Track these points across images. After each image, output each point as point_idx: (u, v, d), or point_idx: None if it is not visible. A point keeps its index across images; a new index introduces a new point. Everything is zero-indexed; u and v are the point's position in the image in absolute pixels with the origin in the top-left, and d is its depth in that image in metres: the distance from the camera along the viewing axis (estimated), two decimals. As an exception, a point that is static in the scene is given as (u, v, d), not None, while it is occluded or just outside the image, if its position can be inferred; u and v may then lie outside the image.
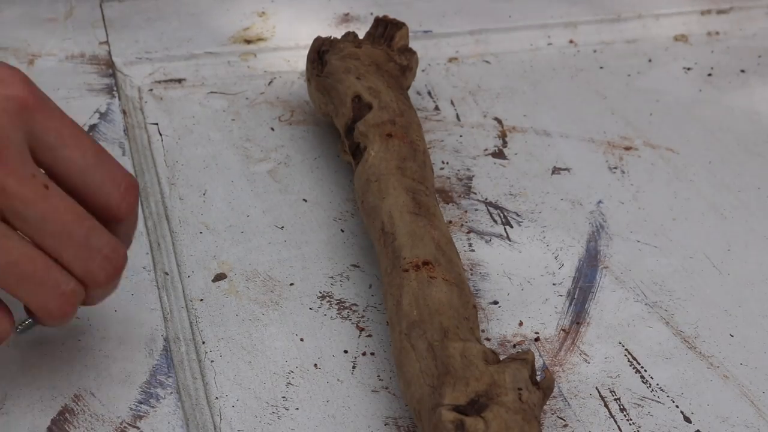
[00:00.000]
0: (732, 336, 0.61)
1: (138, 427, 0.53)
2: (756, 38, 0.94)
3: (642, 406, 0.56)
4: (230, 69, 0.86)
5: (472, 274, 0.65)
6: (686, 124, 0.81)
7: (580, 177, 0.74)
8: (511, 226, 0.69)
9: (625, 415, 0.55)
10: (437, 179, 0.73)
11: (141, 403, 0.54)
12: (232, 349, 0.58)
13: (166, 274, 0.64)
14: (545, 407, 0.55)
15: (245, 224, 0.68)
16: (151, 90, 0.83)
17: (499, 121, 0.81)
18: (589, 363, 0.58)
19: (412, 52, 0.78)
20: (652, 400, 0.56)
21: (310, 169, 0.74)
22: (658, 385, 0.57)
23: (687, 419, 0.55)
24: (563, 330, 0.61)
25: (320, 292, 0.63)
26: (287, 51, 0.87)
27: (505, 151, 0.77)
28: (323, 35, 0.79)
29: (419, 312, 0.54)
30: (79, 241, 0.46)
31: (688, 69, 0.89)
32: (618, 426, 0.54)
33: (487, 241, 0.68)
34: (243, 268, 0.64)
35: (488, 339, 0.60)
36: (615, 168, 0.75)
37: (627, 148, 0.78)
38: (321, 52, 0.76)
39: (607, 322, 0.61)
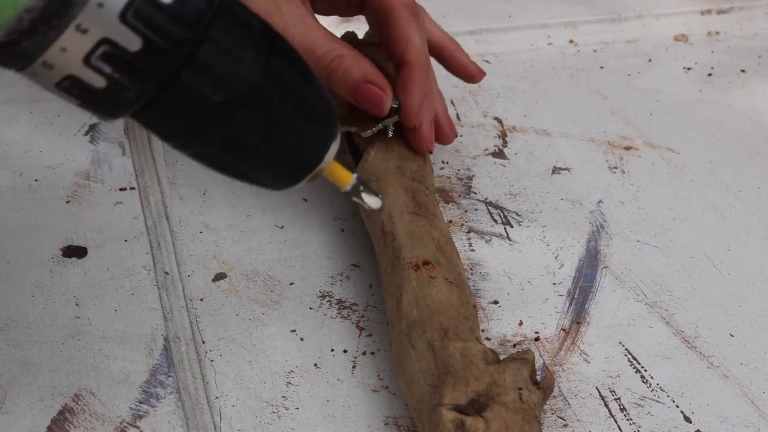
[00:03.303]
0: (732, 336, 0.61)
1: (138, 427, 0.53)
2: (756, 38, 0.94)
3: (642, 406, 0.56)
4: (230, 69, 0.86)
5: (472, 274, 0.65)
6: (686, 124, 0.81)
7: (580, 177, 0.74)
8: (511, 226, 0.69)
9: (625, 415, 0.55)
10: (437, 179, 0.73)
11: (141, 402, 0.54)
12: (232, 348, 0.58)
13: (167, 273, 0.64)
14: (545, 407, 0.55)
15: (245, 224, 0.68)
16: (151, 90, 0.83)
17: (499, 121, 0.81)
18: (589, 363, 0.58)
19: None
20: (652, 399, 0.56)
21: (310, 168, 0.74)
22: (658, 384, 0.57)
23: (687, 419, 0.55)
24: (563, 330, 0.61)
25: (320, 292, 0.63)
26: (287, 51, 0.87)
27: (505, 150, 0.77)
28: (323, 35, 0.79)
29: (419, 312, 0.54)
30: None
31: (689, 69, 0.89)
32: (618, 426, 0.54)
33: (487, 241, 0.68)
34: (243, 268, 0.64)
35: (488, 339, 0.60)
36: (615, 168, 0.75)
37: (627, 148, 0.78)
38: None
39: (608, 322, 0.61)
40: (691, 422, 0.55)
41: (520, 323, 0.61)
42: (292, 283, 0.63)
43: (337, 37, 0.64)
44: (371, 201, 0.50)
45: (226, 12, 0.41)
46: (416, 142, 0.66)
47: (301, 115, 0.44)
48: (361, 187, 0.49)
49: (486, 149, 0.77)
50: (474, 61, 0.72)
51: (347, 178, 0.48)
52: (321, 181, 0.72)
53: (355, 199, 0.49)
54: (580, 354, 0.59)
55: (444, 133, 0.70)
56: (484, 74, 0.72)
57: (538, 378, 0.53)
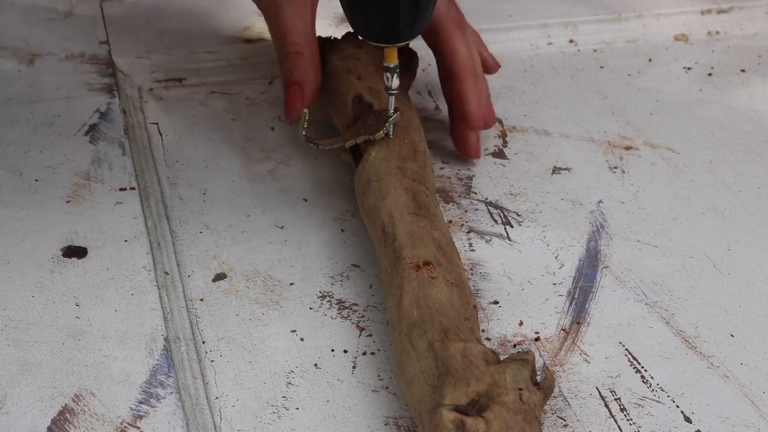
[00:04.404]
0: (732, 336, 0.61)
1: (138, 427, 0.53)
2: (756, 38, 0.94)
3: (642, 406, 0.56)
4: (230, 69, 0.86)
5: (472, 274, 0.65)
6: (686, 123, 0.81)
7: (580, 177, 0.74)
8: (512, 226, 0.69)
9: (625, 415, 0.55)
10: (437, 179, 0.73)
11: (141, 403, 0.54)
12: (233, 348, 0.58)
13: (167, 273, 0.64)
14: (546, 407, 0.55)
15: (245, 224, 0.68)
16: (151, 89, 0.83)
17: (500, 121, 0.81)
18: (589, 363, 0.58)
19: (413, 53, 0.78)
20: (653, 400, 0.56)
21: (310, 168, 0.74)
22: (658, 385, 0.57)
23: (687, 419, 0.55)
24: (563, 330, 0.61)
25: (320, 292, 0.63)
26: (287, 51, 0.87)
27: (506, 150, 0.77)
28: (323, 35, 0.79)
29: (420, 312, 0.54)
30: None
31: (689, 68, 0.89)
32: (618, 426, 0.54)
33: (487, 241, 0.68)
34: (243, 268, 0.64)
35: (488, 339, 0.60)
36: (615, 168, 0.75)
37: (627, 148, 0.78)
38: (321, 51, 0.76)
39: (608, 322, 0.61)
40: (691, 422, 0.55)
41: (521, 323, 0.61)
42: (292, 284, 0.63)
43: (314, 38, 0.72)
44: (396, 83, 0.64)
45: None
46: (468, 148, 0.72)
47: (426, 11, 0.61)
48: (398, 70, 0.64)
49: (486, 149, 0.77)
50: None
51: (396, 59, 0.63)
52: (321, 181, 0.73)
53: (387, 74, 0.63)
54: (581, 354, 0.59)
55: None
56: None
57: (539, 378, 0.53)
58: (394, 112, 0.65)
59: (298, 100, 0.70)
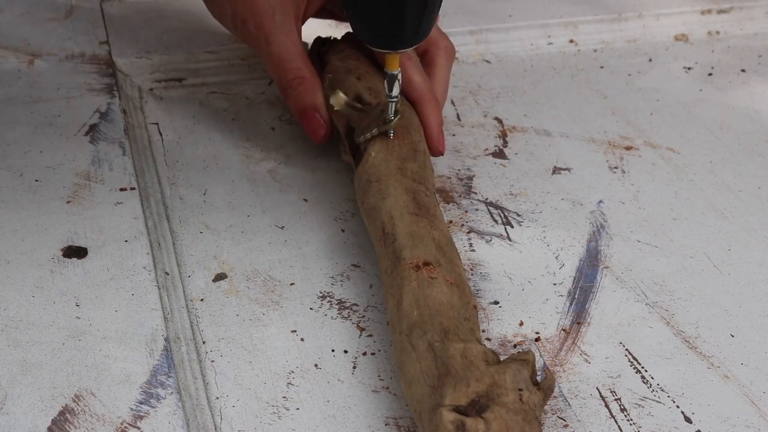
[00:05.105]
0: (732, 336, 0.61)
1: (138, 427, 0.53)
2: (756, 38, 0.94)
3: (642, 407, 0.56)
4: (230, 69, 0.86)
5: (472, 274, 0.65)
6: (687, 123, 0.81)
7: (580, 177, 0.74)
8: (512, 226, 0.69)
9: (625, 416, 0.55)
10: (438, 179, 0.73)
11: (141, 403, 0.54)
12: (233, 349, 0.58)
13: (167, 273, 0.64)
14: (546, 407, 0.55)
15: (245, 224, 0.68)
16: (151, 90, 0.83)
17: (500, 121, 0.81)
18: (589, 363, 0.58)
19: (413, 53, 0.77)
20: (653, 400, 0.56)
21: (310, 169, 0.74)
22: (658, 385, 0.57)
23: (687, 419, 0.55)
24: (564, 330, 0.61)
25: (321, 292, 0.63)
26: (287, 51, 0.87)
27: (506, 150, 0.77)
28: (323, 35, 0.79)
29: (420, 312, 0.54)
30: None
31: (689, 68, 0.89)
32: (619, 426, 0.54)
33: (487, 241, 0.68)
34: (243, 268, 0.64)
35: (489, 339, 0.60)
36: (615, 168, 0.75)
37: (627, 148, 0.78)
38: (321, 52, 0.76)
39: (608, 322, 0.61)
40: (691, 422, 0.55)
41: (521, 323, 0.61)
42: (292, 284, 0.63)
43: (308, 59, 0.72)
44: (396, 90, 0.64)
45: None
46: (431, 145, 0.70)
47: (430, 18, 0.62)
48: (399, 78, 0.64)
49: (486, 149, 0.77)
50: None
51: (397, 66, 0.63)
52: (321, 181, 0.73)
53: (387, 81, 0.63)
54: (581, 354, 0.59)
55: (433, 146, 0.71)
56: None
57: (539, 378, 0.53)
58: (394, 116, 0.65)
59: (320, 125, 0.71)
